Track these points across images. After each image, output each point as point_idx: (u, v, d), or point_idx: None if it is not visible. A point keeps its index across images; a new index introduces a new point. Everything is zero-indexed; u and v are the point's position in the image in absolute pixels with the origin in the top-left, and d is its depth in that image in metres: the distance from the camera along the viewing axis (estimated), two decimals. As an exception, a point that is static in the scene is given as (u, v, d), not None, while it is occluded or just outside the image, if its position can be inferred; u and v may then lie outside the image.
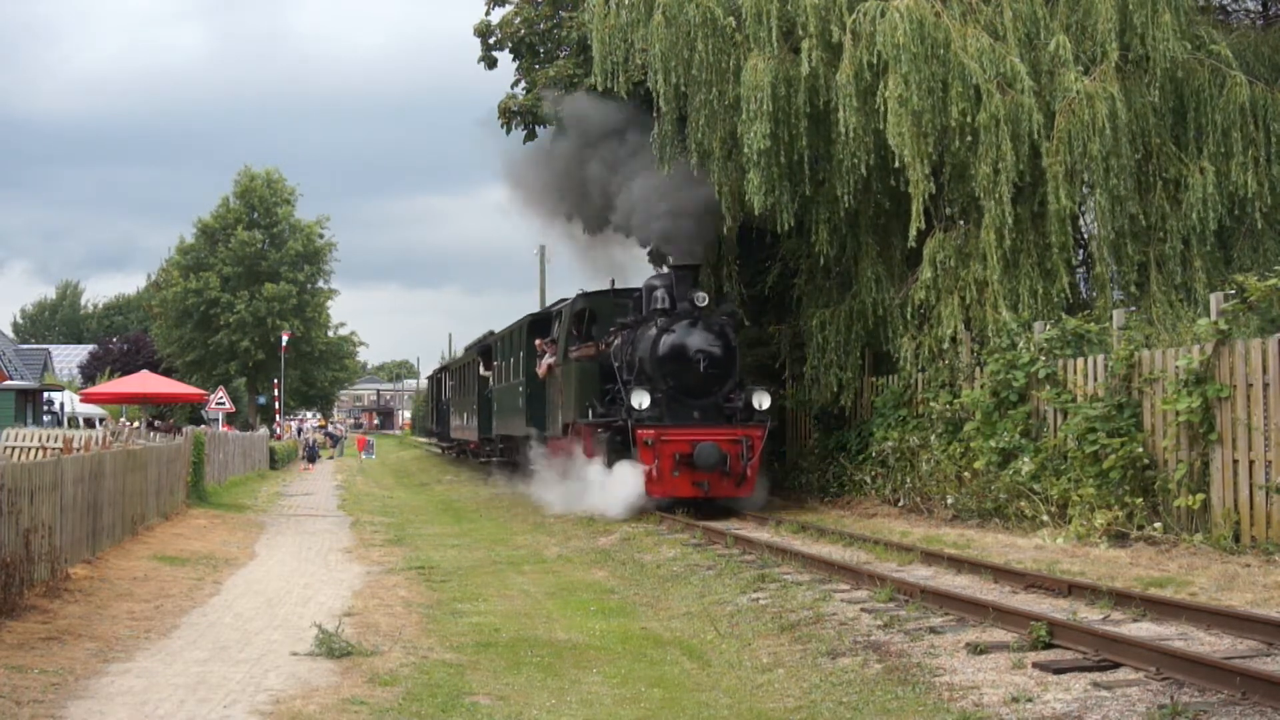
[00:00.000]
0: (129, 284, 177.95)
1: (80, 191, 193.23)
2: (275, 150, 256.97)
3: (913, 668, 7.76)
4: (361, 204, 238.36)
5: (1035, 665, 7.43)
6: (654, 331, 18.60)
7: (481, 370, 32.92)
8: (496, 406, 30.38)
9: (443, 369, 49.72)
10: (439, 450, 54.38)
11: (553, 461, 22.18)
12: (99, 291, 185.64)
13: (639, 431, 17.66)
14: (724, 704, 7.58)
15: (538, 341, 24.23)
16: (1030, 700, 6.78)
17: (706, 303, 18.90)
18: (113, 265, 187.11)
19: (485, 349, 33.16)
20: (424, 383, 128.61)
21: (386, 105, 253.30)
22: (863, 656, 8.26)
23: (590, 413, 19.50)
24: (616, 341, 20.13)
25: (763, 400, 18.28)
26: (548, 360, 22.93)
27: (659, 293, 18.97)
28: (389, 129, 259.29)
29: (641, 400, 17.88)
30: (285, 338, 54.73)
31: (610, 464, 18.38)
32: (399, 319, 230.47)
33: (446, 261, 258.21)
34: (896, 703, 7.14)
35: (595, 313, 22.21)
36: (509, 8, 29.94)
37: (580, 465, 19.77)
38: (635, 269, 25.40)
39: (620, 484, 17.93)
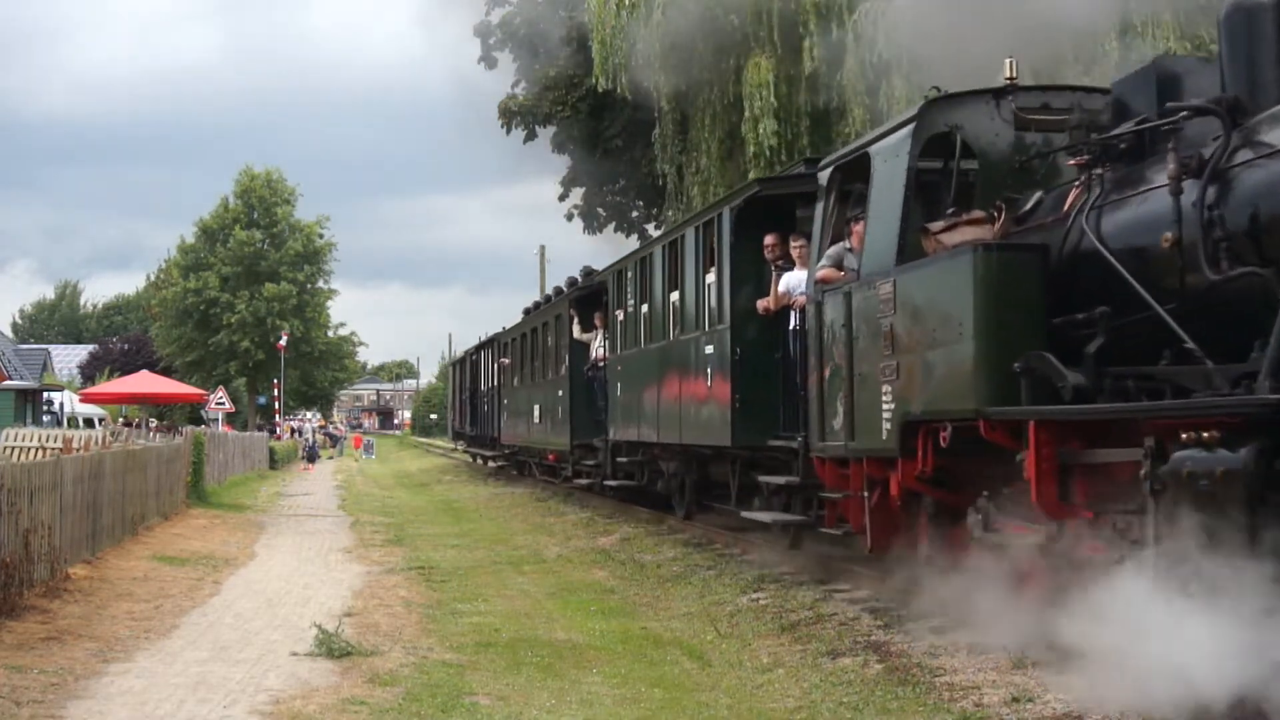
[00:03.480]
0: (129, 284, 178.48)
1: (86, 191, 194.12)
2: (283, 150, 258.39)
3: (913, 668, 7.75)
4: (367, 203, 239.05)
5: (1036, 665, 7.41)
6: None
7: (576, 332, 21.01)
8: (623, 391, 17.43)
9: (482, 346, 35.68)
10: (470, 459, 42.23)
11: (861, 518, 9.49)
12: (98, 292, 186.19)
13: None
14: (724, 704, 7.56)
15: (768, 240, 12.23)
16: (1031, 700, 6.77)
17: None
18: (118, 265, 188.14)
19: (587, 295, 20.87)
20: (427, 381, 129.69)
21: (393, 104, 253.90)
22: (863, 656, 8.25)
23: (1022, 386, 7.40)
24: (1096, 199, 7.62)
25: None
26: (821, 271, 10.16)
27: None
28: (396, 128, 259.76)
29: None
30: (285, 338, 54.63)
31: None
32: (402, 319, 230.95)
33: (451, 261, 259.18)
34: (897, 703, 7.13)
35: (971, 142, 9.13)
36: (509, 7, 29.97)
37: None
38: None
39: None
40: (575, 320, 21.10)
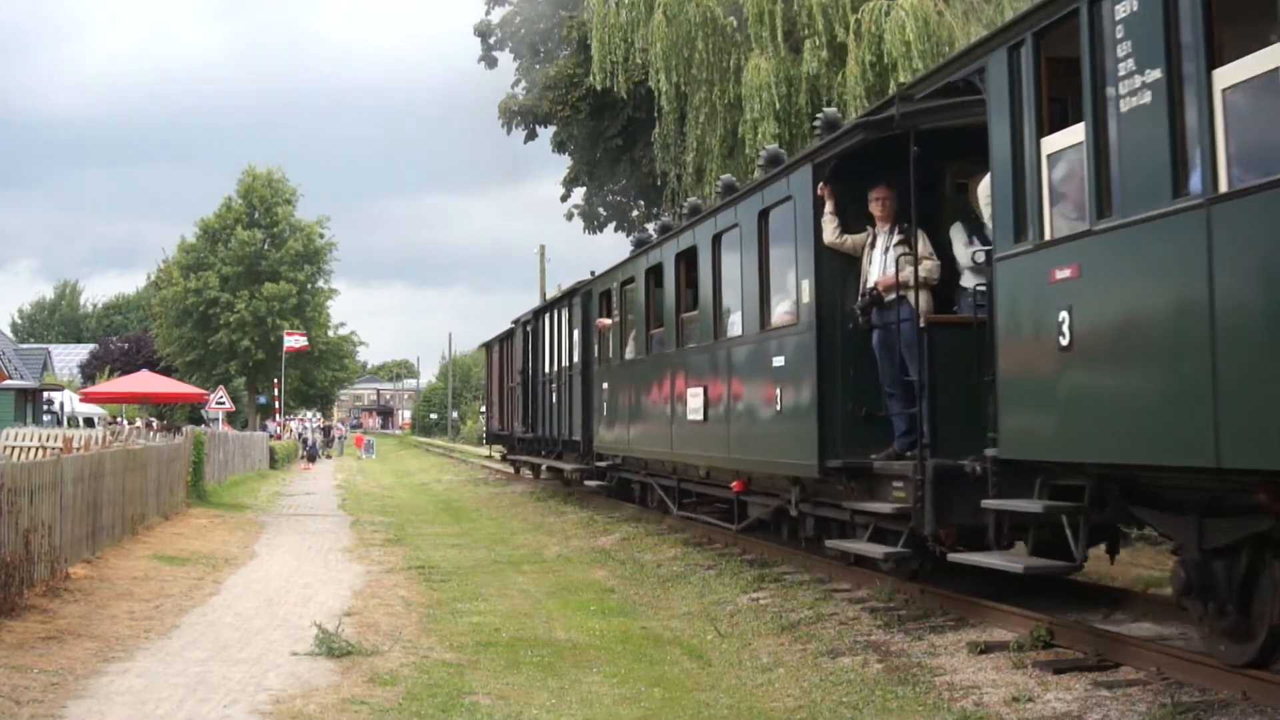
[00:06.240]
0: (131, 284, 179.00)
1: (89, 190, 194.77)
2: (285, 150, 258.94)
3: (913, 667, 7.76)
4: (367, 203, 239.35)
5: (1036, 665, 7.42)
6: None
7: (830, 232, 10.18)
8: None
9: (548, 307, 24.44)
10: (513, 471, 31.98)
11: None
12: (98, 291, 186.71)
13: None
14: (724, 704, 7.56)
15: None
16: (1031, 700, 6.77)
17: None
18: (120, 264, 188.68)
19: (856, 155, 9.85)
20: (427, 381, 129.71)
21: (399, 105, 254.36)
22: (863, 656, 8.26)
23: None
24: None
25: None
26: None
27: None
28: (398, 128, 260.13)
29: None
30: (293, 338, 54.19)
31: None
32: (404, 318, 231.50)
33: (452, 261, 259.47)
34: (897, 702, 7.14)
35: None
36: (509, 7, 30.01)
37: None
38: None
39: None
40: (829, 206, 10.28)
